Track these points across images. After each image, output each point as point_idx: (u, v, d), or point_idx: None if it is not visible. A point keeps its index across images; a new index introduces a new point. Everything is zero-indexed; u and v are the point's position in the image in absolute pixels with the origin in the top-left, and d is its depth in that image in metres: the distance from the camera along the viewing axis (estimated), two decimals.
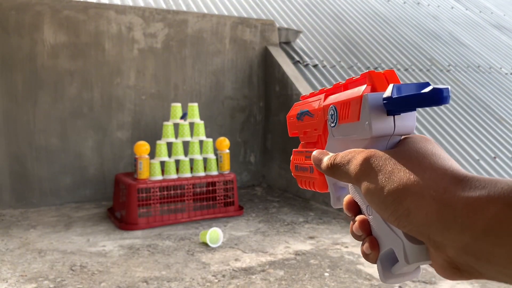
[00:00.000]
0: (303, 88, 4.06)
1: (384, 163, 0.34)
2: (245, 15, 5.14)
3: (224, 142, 3.52)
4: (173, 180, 3.28)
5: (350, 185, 0.39)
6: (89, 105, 3.79)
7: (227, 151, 3.52)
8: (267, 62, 4.47)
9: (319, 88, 4.29)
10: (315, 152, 0.42)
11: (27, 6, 3.52)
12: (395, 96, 0.34)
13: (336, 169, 0.38)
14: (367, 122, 0.36)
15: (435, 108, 4.75)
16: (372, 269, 2.39)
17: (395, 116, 0.36)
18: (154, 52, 4.02)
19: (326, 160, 0.39)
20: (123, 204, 3.20)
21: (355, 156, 0.36)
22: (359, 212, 0.39)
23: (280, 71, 4.27)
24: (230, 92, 4.38)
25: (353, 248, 2.71)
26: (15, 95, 3.54)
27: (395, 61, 5.33)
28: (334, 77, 4.62)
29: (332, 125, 0.42)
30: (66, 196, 3.72)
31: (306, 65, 4.63)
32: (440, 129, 4.44)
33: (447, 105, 4.87)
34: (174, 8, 4.82)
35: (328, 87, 0.46)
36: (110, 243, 2.76)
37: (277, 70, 4.32)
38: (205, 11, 4.99)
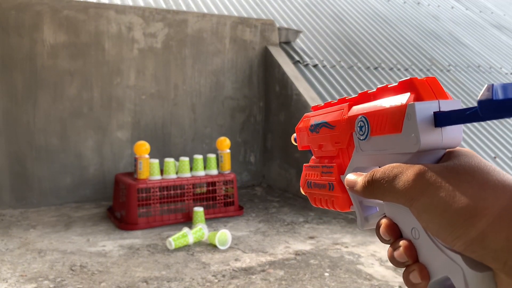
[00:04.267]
0: (303, 88, 4.06)
1: (445, 179, 0.30)
2: (245, 15, 5.14)
3: (225, 142, 3.51)
4: (173, 180, 3.28)
5: (386, 204, 0.35)
6: (89, 105, 3.79)
7: (228, 151, 3.52)
8: (267, 62, 4.47)
9: (319, 87, 4.30)
10: (350, 175, 0.38)
11: (26, 6, 3.52)
12: (499, 98, 0.27)
13: (376, 187, 0.34)
14: (413, 134, 0.32)
15: None
16: (372, 269, 2.39)
17: (442, 128, 0.32)
18: (154, 52, 4.02)
19: (361, 179, 0.36)
20: (123, 204, 3.20)
21: (403, 171, 0.32)
22: (400, 235, 0.34)
23: (280, 71, 4.27)
24: (230, 92, 4.38)
25: (353, 248, 2.71)
26: (15, 95, 3.54)
27: (395, 61, 5.33)
28: (334, 77, 4.62)
29: (361, 138, 0.38)
30: (66, 196, 3.71)
31: (306, 65, 4.63)
32: None
33: None
34: (174, 8, 4.82)
35: (339, 97, 0.42)
36: (110, 243, 2.76)
37: (277, 70, 4.32)
38: (205, 11, 4.99)
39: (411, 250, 0.33)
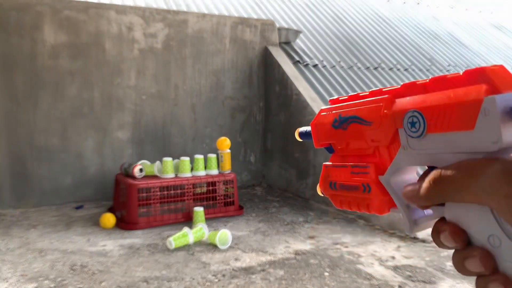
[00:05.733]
0: (303, 88, 4.06)
1: None
2: (245, 15, 5.15)
3: (225, 142, 3.52)
4: (173, 180, 3.28)
5: (449, 207, 0.32)
6: (90, 105, 3.80)
7: (228, 150, 3.52)
8: (267, 62, 4.48)
9: (319, 87, 4.31)
10: (409, 186, 0.34)
11: (27, 6, 3.52)
12: None
13: (447, 184, 0.30)
14: (491, 132, 0.28)
15: None
16: (372, 268, 2.39)
17: None
18: (155, 52, 4.03)
19: (424, 183, 0.32)
20: (123, 204, 3.21)
21: (486, 163, 0.29)
22: (467, 241, 0.31)
23: (280, 71, 4.28)
24: (230, 92, 4.39)
25: (353, 248, 2.71)
26: (15, 95, 3.54)
27: (395, 61, 5.33)
28: (334, 77, 4.62)
29: (414, 135, 0.33)
30: (67, 195, 3.72)
31: (306, 65, 4.64)
32: None
33: None
34: (174, 8, 4.83)
35: (345, 94, 0.40)
36: (111, 243, 2.77)
37: (277, 70, 4.33)
38: (205, 11, 5.00)
39: (489, 260, 0.29)
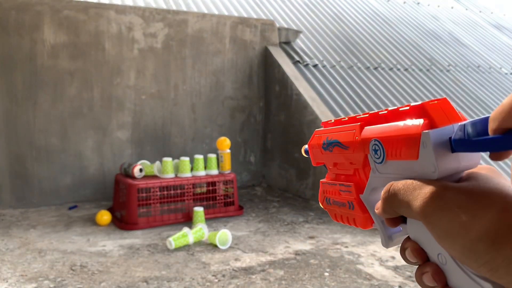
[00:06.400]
0: (303, 88, 4.06)
1: (465, 200, 0.29)
2: (245, 15, 5.15)
3: (225, 142, 3.51)
4: (173, 180, 3.28)
5: (410, 226, 0.34)
6: (89, 105, 3.80)
7: (228, 150, 3.52)
8: (267, 62, 4.47)
9: (319, 87, 4.31)
10: (379, 202, 0.37)
11: (27, 6, 3.52)
12: (474, 138, 0.29)
13: (394, 196, 0.33)
14: (430, 163, 0.32)
15: None
16: (372, 269, 2.39)
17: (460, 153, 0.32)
18: (154, 52, 4.02)
19: (381, 196, 0.35)
20: (123, 204, 3.21)
21: (422, 186, 0.31)
22: (427, 258, 0.34)
23: (280, 71, 4.27)
24: (230, 92, 4.39)
25: (353, 248, 2.71)
26: (15, 95, 3.54)
27: (395, 61, 5.33)
28: (334, 77, 4.62)
29: (377, 161, 0.37)
30: (66, 196, 3.72)
31: (306, 65, 4.63)
32: None
33: None
34: (174, 8, 4.83)
35: (350, 119, 0.42)
36: (110, 243, 2.76)
37: (277, 70, 4.32)
38: (205, 11, 4.99)
39: (440, 275, 0.32)
